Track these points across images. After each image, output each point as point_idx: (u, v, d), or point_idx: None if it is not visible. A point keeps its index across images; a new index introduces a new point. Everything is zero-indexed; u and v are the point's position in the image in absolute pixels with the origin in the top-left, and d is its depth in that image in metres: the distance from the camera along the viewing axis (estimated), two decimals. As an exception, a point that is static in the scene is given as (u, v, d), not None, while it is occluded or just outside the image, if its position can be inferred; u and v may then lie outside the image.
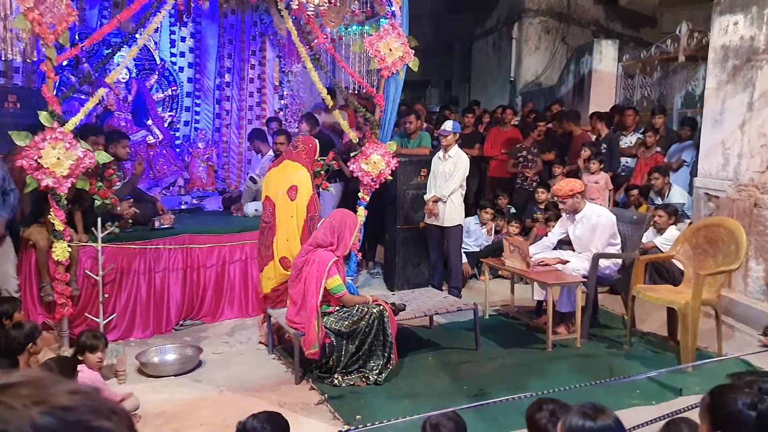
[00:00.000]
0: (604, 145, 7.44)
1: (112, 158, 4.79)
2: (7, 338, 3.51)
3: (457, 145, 5.89)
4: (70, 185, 4.23)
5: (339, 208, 5.06)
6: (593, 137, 7.75)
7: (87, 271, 4.69)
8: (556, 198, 5.40)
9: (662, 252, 5.57)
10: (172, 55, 7.61)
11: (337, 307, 4.23)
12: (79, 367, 3.39)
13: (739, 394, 1.76)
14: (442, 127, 5.92)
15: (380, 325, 4.21)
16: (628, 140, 7.63)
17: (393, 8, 5.34)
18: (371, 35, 5.39)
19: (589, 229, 5.07)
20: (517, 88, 11.59)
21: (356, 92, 6.34)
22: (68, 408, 0.67)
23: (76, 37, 6.22)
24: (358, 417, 3.65)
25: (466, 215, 6.44)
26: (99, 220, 4.62)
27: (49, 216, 4.32)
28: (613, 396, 3.80)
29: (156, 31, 6.29)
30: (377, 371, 4.16)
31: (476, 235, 7.02)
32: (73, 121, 4.30)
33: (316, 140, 4.98)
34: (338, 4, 5.45)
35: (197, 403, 3.84)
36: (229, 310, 5.42)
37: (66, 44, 4.25)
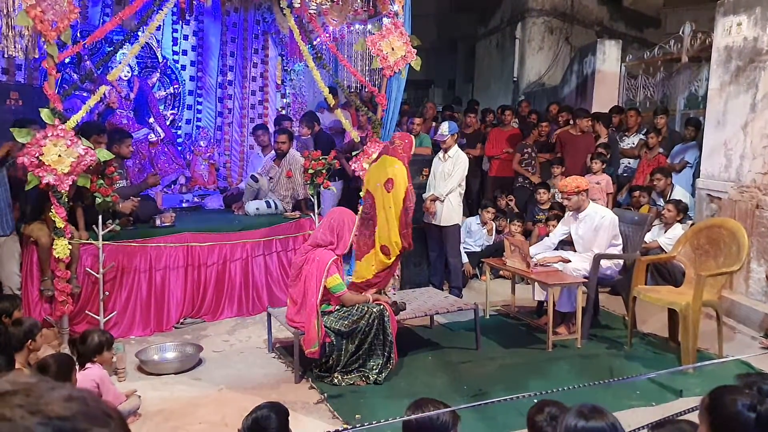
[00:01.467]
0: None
1: (114, 156, 4.80)
2: (6, 336, 3.51)
3: (456, 145, 5.88)
4: (71, 183, 4.23)
5: (337, 207, 5.07)
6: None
7: (88, 269, 4.69)
8: (561, 195, 5.38)
9: (666, 251, 5.56)
10: (174, 53, 7.62)
11: (337, 306, 4.22)
12: (88, 364, 3.40)
13: (738, 396, 1.76)
14: (439, 132, 5.88)
15: (380, 325, 4.20)
16: (631, 141, 7.62)
17: (395, 7, 5.33)
18: (374, 34, 5.39)
19: (591, 230, 5.06)
20: (520, 88, 11.57)
21: (358, 92, 6.33)
22: (65, 417, 0.66)
23: (78, 34, 6.23)
24: (357, 416, 3.65)
25: (468, 215, 6.43)
26: (100, 217, 4.63)
27: (50, 213, 4.33)
28: (613, 397, 3.79)
29: (158, 28, 6.29)
30: (377, 370, 4.16)
31: (478, 235, 7.00)
32: (75, 119, 4.31)
33: (412, 136, 5.05)
34: (340, 3, 5.45)
35: (197, 401, 3.83)
36: (229, 308, 5.42)
37: (68, 41, 4.26)
